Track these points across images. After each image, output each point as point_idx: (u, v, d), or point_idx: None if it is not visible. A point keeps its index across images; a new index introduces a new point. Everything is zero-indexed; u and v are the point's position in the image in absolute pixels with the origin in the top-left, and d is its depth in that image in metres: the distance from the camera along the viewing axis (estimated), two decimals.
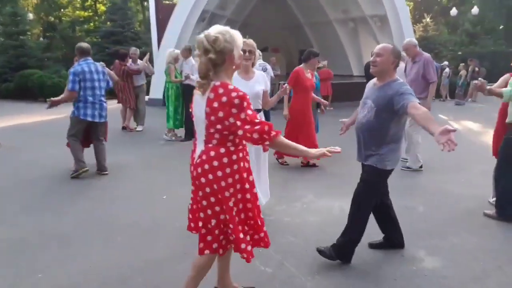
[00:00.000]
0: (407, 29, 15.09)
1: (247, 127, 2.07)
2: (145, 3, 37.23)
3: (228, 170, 2.18)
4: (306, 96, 5.91)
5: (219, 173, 2.16)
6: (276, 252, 3.28)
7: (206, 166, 2.17)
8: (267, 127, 2.08)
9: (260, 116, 3.74)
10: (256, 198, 2.37)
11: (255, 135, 2.07)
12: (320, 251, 3.13)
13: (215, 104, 2.11)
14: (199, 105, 2.22)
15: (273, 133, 2.11)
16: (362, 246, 3.25)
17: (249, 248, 2.27)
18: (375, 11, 15.41)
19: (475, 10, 23.41)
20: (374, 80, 3.12)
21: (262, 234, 2.37)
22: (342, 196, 4.66)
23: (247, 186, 2.27)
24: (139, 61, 8.68)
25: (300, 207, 4.45)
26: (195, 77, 7.48)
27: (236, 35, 2.22)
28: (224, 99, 2.09)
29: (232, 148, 2.20)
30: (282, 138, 2.19)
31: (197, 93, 2.25)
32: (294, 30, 19.99)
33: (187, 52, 7.87)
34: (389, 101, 2.84)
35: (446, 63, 17.59)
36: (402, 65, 6.00)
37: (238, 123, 2.08)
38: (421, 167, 5.91)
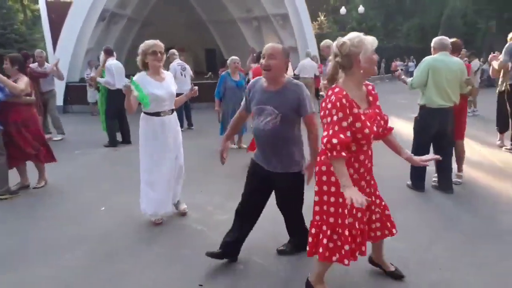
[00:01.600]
0: (307, 27, 16.00)
1: None
2: (25, 1, 33.89)
3: None
4: None
5: None
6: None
7: None
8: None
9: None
10: None
11: None
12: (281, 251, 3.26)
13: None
14: None
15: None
16: None
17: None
18: (277, 10, 16.05)
19: (361, 9, 25.62)
20: (262, 82, 2.84)
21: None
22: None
23: None
24: (46, 64, 7.91)
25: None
26: (102, 80, 7.23)
27: (366, 40, 2.24)
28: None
29: None
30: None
31: None
32: (198, 29, 19.90)
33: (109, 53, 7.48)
34: (293, 106, 2.73)
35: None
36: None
37: None
38: None
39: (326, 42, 6.44)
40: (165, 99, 3.78)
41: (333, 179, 2.35)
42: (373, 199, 2.62)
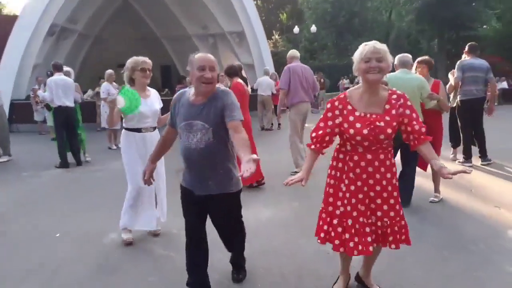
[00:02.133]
0: (263, 45, 16.22)
1: None
2: None
3: None
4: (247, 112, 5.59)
5: None
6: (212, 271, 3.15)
7: None
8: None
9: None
10: None
11: None
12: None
13: None
14: None
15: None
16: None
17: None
18: (233, 28, 16.17)
19: (313, 28, 26.40)
20: (188, 95, 2.55)
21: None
22: (252, 204, 4.76)
23: None
24: None
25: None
26: (40, 94, 7.44)
27: (359, 50, 2.42)
28: None
29: None
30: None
31: None
32: (152, 45, 19.54)
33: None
34: (221, 115, 2.44)
35: None
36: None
37: None
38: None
39: (292, 52, 6.51)
40: (148, 116, 3.75)
41: (333, 172, 2.63)
42: (372, 206, 2.50)
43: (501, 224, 4.04)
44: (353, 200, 2.48)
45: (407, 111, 2.41)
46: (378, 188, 2.48)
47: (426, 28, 24.08)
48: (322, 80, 18.74)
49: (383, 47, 2.40)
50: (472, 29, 23.37)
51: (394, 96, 2.44)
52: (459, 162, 6.66)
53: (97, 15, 16.45)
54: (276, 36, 27.25)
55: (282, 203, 4.88)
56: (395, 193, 2.51)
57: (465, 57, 6.40)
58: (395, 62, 4.58)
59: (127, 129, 3.76)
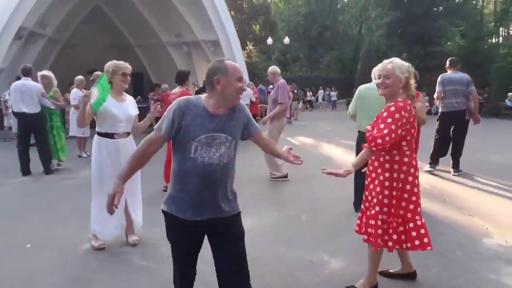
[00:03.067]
0: (238, 54, 16.21)
1: None
2: None
3: None
4: None
5: None
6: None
7: None
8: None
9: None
10: None
11: None
12: None
13: None
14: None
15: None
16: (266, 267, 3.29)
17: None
18: (208, 36, 16.09)
19: (286, 40, 26.73)
20: (201, 104, 2.17)
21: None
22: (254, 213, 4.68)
23: None
24: None
25: None
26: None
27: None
28: None
29: None
30: None
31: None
32: (124, 52, 19.19)
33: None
34: (242, 128, 2.31)
35: (271, 86, 19.52)
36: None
37: None
38: (286, 176, 6.40)
39: (275, 68, 6.65)
40: (121, 120, 3.67)
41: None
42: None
43: (476, 232, 4.14)
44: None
45: (383, 115, 2.76)
46: (371, 186, 2.96)
47: (395, 42, 24.87)
48: (295, 91, 18.96)
49: (392, 64, 2.70)
50: (438, 45, 24.30)
51: (391, 105, 2.75)
52: (425, 170, 6.72)
53: (67, 20, 16.01)
54: (250, 47, 27.44)
55: (262, 212, 4.82)
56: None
57: (447, 71, 6.71)
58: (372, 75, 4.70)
59: (99, 134, 3.66)
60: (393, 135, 2.61)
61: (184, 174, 2.14)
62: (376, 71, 2.72)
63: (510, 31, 44.42)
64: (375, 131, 2.67)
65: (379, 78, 2.74)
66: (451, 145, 6.79)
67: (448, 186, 5.99)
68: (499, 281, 3.10)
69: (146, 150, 2.17)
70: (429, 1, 23.75)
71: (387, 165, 2.77)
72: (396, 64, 2.70)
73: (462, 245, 3.81)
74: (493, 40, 35.04)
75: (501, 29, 38.10)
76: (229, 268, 2.27)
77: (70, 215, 4.82)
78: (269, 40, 26.92)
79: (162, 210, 2.28)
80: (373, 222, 2.81)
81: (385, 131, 2.61)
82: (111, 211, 2.16)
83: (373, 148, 2.65)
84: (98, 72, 8.72)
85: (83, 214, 4.50)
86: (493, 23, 34.68)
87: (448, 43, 27.32)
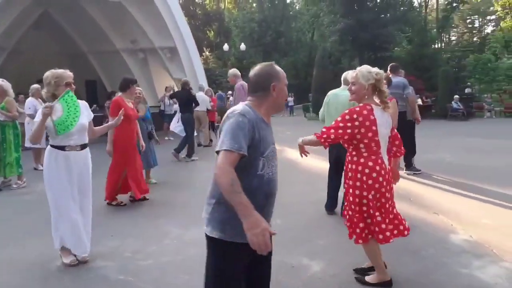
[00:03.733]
0: (196, 61, 16.14)
1: None
2: None
3: None
4: (130, 126, 5.52)
5: None
6: None
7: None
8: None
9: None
10: None
11: None
12: None
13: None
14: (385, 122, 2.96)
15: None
16: None
17: None
18: (165, 43, 15.89)
19: (243, 46, 26.87)
20: (257, 114, 1.99)
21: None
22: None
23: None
24: None
25: (173, 243, 4.16)
26: None
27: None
28: None
29: None
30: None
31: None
32: (76, 59, 18.54)
33: None
34: None
35: (230, 92, 19.53)
36: None
37: None
38: None
39: (235, 71, 6.64)
40: (72, 133, 3.44)
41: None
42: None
43: (443, 229, 4.35)
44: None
45: None
46: (350, 182, 3.08)
47: (348, 48, 25.70)
48: None
49: (357, 72, 2.95)
50: (387, 50, 25.40)
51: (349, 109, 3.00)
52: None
53: (13, 26, 15.22)
54: (207, 53, 27.31)
55: None
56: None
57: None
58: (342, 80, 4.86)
59: (52, 146, 3.46)
60: (339, 131, 2.85)
61: (248, 194, 1.79)
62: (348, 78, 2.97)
63: (450, 37, 47.36)
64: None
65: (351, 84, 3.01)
66: None
67: (410, 186, 6.25)
68: (472, 275, 3.27)
69: (234, 174, 1.79)
70: (378, 9, 24.81)
71: (349, 165, 3.04)
72: (361, 72, 2.92)
73: (432, 242, 3.99)
74: (437, 46, 37.08)
75: (443, 35, 40.40)
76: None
77: (34, 230, 4.57)
78: (225, 46, 26.95)
79: (210, 237, 1.96)
80: (353, 221, 3.03)
81: (339, 127, 2.87)
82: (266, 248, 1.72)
83: (317, 137, 2.90)
84: (35, 86, 8.38)
85: (47, 230, 4.29)
86: (435, 30, 36.74)
87: (396, 48, 28.64)
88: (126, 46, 17.23)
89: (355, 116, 2.84)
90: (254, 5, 42.39)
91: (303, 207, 5.25)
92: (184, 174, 7.86)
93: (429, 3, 39.23)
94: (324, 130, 2.92)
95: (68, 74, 3.46)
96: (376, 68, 3.03)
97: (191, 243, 4.13)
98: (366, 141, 2.90)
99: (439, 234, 4.20)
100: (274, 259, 3.59)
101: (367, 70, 2.94)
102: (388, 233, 2.97)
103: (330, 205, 4.93)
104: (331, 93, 4.85)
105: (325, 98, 4.84)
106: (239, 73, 6.77)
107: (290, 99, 26.76)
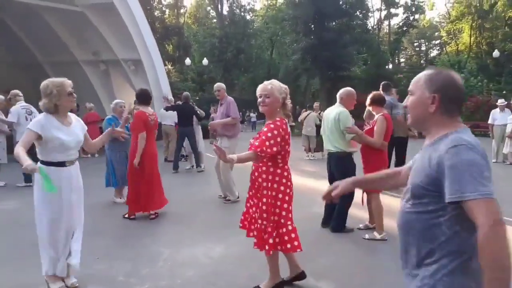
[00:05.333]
0: (161, 74, 15.78)
1: None
2: None
3: None
4: (153, 139, 5.63)
5: None
6: None
7: None
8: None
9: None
10: None
11: None
12: None
13: None
14: None
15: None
16: None
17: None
18: (129, 55, 15.43)
19: (205, 61, 26.79)
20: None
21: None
22: (198, 241, 4.46)
23: None
24: None
25: (167, 265, 3.91)
26: None
27: None
28: None
29: None
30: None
31: None
32: (30, 70, 17.55)
33: None
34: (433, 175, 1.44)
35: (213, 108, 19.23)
36: None
37: None
38: (238, 197, 6.29)
39: (221, 84, 6.54)
40: (71, 148, 3.20)
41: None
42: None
43: None
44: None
45: (263, 130, 3.04)
46: (258, 194, 3.12)
47: (309, 67, 26.32)
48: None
49: (271, 86, 3.03)
50: (346, 69, 26.31)
51: (278, 119, 3.07)
52: None
53: None
54: (169, 67, 26.89)
55: (228, 238, 4.62)
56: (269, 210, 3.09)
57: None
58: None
59: (45, 163, 3.11)
60: (275, 148, 2.95)
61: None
62: (257, 91, 3.05)
63: (400, 59, 49.93)
64: (257, 142, 2.97)
65: (260, 97, 3.04)
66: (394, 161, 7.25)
67: (392, 202, 6.34)
68: None
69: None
70: (337, 30, 25.73)
71: (263, 175, 3.09)
72: (274, 85, 3.06)
73: None
74: (390, 67, 38.94)
75: (394, 57, 42.53)
76: None
77: (9, 255, 4.15)
78: (187, 61, 26.73)
79: None
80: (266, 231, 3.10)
81: (271, 141, 2.94)
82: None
83: (259, 153, 2.92)
84: (15, 91, 7.82)
85: (25, 253, 3.92)
86: (387, 52, 38.64)
87: (354, 68, 29.77)
88: (87, 58, 16.53)
89: (280, 130, 3.00)
90: (214, 20, 42.54)
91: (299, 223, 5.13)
92: None
93: (381, 26, 41.30)
94: (262, 144, 2.92)
95: (68, 82, 3.19)
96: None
97: (186, 264, 3.92)
98: (283, 152, 3.08)
99: None
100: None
101: (279, 84, 3.12)
102: (296, 243, 3.14)
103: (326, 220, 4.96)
104: (326, 111, 4.95)
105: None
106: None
107: (253, 114, 26.94)
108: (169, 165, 9.53)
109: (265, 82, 3.12)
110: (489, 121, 10.68)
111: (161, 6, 44.23)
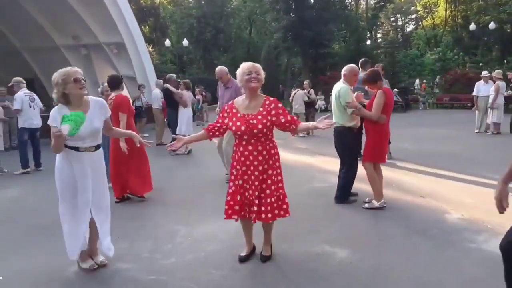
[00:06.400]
0: (145, 57, 15.63)
1: None
2: None
3: None
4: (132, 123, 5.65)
5: None
6: None
7: None
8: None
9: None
10: None
11: None
12: None
13: None
14: None
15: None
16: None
17: None
18: (111, 39, 15.21)
19: (185, 42, 26.45)
20: None
21: None
22: (210, 219, 4.63)
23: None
24: None
25: (187, 240, 4.09)
26: None
27: (241, 67, 3.25)
28: None
29: None
30: None
31: None
32: (8, 57, 17.07)
33: None
34: None
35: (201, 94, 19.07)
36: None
37: None
38: None
39: (222, 68, 6.52)
40: (84, 137, 3.22)
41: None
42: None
43: (435, 210, 4.72)
44: (239, 182, 3.28)
45: (274, 111, 3.19)
46: (256, 172, 3.21)
47: (291, 45, 26.34)
48: (204, 93, 18.86)
49: (258, 65, 3.26)
50: (328, 47, 26.45)
51: (267, 102, 3.24)
52: None
53: None
54: (150, 49, 26.45)
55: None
56: (273, 176, 3.26)
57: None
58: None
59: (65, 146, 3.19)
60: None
61: None
62: (247, 68, 3.18)
63: (377, 35, 50.24)
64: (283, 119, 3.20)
65: (250, 74, 3.16)
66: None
67: (386, 173, 6.59)
68: (481, 249, 3.62)
69: None
70: (318, 8, 25.72)
71: (272, 151, 3.28)
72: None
73: (432, 222, 4.32)
74: (367, 43, 39.28)
75: (372, 33, 42.81)
76: None
77: (21, 241, 4.25)
78: (167, 42, 26.36)
79: None
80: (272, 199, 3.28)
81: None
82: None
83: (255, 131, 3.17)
84: (18, 78, 7.78)
85: (39, 239, 4.03)
86: (366, 28, 38.89)
87: (334, 45, 29.91)
88: (66, 42, 16.20)
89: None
90: (191, 0, 41.75)
91: (303, 198, 5.33)
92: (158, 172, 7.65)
93: (359, 2, 41.40)
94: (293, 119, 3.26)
95: (74, 70, 3.21)
96: None
97: (205, 239, 4.09)
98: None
99: (435, 215, 4.55)
100: (297, 249, 3.74)
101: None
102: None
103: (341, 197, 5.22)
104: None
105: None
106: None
107: None
108: (161, 149, 9.56)
109: (250, 62, 3.30)
110: (474, 93, 11.07)
111: None
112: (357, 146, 5.51)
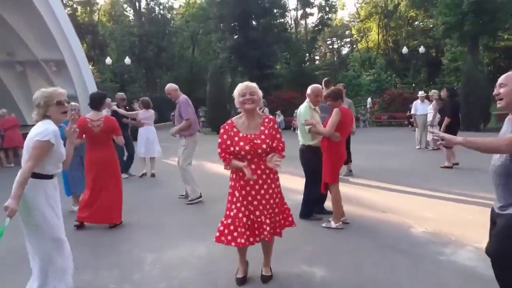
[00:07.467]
0: (87, 74, 14.90)
1: None
2: None
3: None
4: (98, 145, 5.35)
5: None
6: None
7: None
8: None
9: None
10: None
11: None
12: None
13: None
14: None
15: None
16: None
17: None
18: (50, 55, 14.32)
19: (127, 60, 25.76)
20: None
21: None
22: (178, 242, 4.43)
23: None
24: None
25: (156, 268, 3.84)
26: None
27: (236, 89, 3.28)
28: None
29: None
30: None
31: None
32: None
33: None
34: None
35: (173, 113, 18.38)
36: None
37: None
38: (200, 196, 6.31)
39: (174, 85, 6.42)
40: (59, 161, 3.05)
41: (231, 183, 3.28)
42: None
43: (400, 225, 4.86)
44: (243, 203, 3.17)
45: (274, 132, 3.21)
46: (262, 191, 3.17)
47: (236, 65, 26.55)
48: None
49: (254, 84, 3.25)
50: (272, 67, 27.03)
51: (267, 120, 3.25)
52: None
53: None
54: (91, 67, 25.31)
55: (206, 236, 4.59)
56: (278, 194, 3.31)
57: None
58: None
59: (37, 176, 2.84)
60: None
61: None
62: (242, 89, 3.18)
63: (315, 57, 52.33)
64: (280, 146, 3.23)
65: (243, 95, 3.16)
66: None
67: (344, 190, 6.76)
68: (451, 261, 3.76)
69: None
70: (261, 29, 26.31)
71: (266, 170, 3.23)
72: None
73: (399, 237, 4.43)
74: (307, 64, 40.76)
75: (311, 55, 44.51)
76: None
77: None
78: (108, 60, 25.48)
79: None
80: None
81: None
82: None
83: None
84: None
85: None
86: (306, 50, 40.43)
87: (277, 67, 30.69)
88: (0, 58, 15.02)
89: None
90: (132, 18, 40.88)
91: None
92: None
93: (299, 25, 43.01)
94: (283, 148, 3.28)
95: (59, 91, 3.00)
96: None
97: (176, 265, 3.89)
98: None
99: (401, 230, 4.68)
100: (275, 270, 3.64)
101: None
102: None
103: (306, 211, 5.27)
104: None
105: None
106: (177, 87, 6.51)
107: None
108: None
109: (245, 83, 3.27)
110: (412, 112, 11.77)
111: (71, 3, 41.53)
112: (319, 164, 5.57)
